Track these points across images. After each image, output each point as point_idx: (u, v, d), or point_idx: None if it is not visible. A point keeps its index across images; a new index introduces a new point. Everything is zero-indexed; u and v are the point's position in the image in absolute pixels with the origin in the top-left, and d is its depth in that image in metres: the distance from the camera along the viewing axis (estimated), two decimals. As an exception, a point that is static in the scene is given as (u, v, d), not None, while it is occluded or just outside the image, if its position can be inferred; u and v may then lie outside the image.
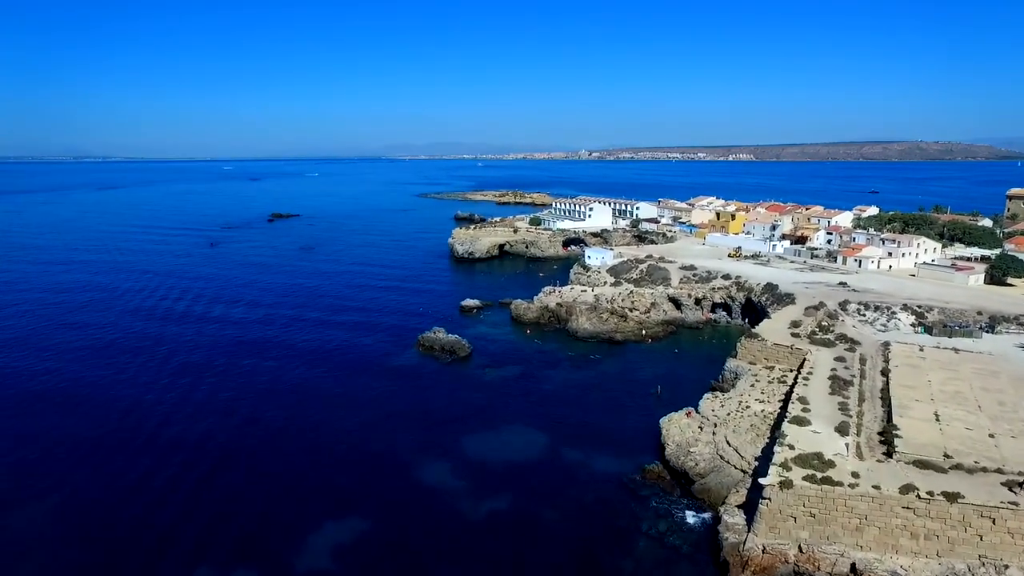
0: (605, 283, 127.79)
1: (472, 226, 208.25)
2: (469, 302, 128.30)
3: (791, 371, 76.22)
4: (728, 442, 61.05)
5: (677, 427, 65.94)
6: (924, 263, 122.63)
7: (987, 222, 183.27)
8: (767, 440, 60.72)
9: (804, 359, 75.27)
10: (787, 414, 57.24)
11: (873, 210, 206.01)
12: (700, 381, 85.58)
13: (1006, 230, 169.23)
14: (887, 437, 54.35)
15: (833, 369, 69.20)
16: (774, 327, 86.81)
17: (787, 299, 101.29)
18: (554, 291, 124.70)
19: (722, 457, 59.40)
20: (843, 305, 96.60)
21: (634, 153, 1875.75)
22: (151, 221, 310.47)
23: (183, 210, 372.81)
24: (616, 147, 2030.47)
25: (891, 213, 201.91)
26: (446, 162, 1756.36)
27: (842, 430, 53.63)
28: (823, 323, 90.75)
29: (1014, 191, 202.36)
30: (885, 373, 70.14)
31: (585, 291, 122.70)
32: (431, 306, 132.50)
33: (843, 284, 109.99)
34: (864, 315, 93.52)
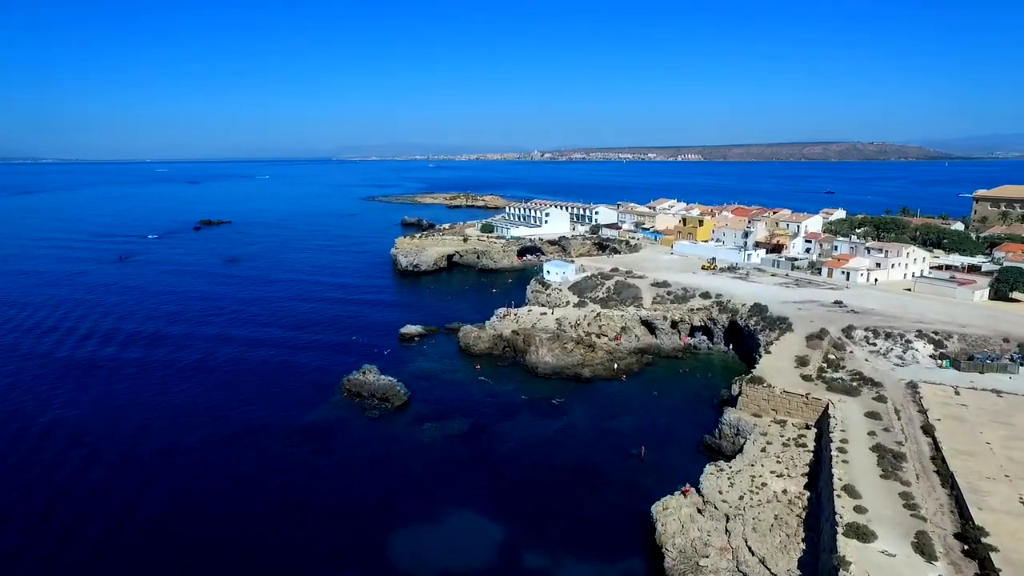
0: (567, 303, 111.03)
1: (418, 234, 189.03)
2: (410, 328, 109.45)
3: (808, 427, 60.76)
4: (750, 548, 44.63)
5: (676, 520, 49.20)
6: (922, 276, 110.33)
7: (959, 225, 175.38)
8: (801, 543, 44.64)
9: (826, 412, 59.83)
10: (837, 516, 41.03)
11: (840, 213, 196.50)
12: (690, 435, 69.56)
13: (982, 234, 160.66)
14: (975, 548, 38.87)
15: (871, 433, 53.68)
16: (776, 364, 71.45)
17: (781, 324, 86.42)
18: (509, 313, 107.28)
19: None
20: (848, 332, 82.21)
21: (586, 154, 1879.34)
22: (61, 229, 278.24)
23: (103, 216, 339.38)
24: (568, 148, 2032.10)
25: (860, 216, 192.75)
26: (398, 163, 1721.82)
27: (925, 549, 37.67)
28: (830, 356, 76.03)
29: (981, 192, 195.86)
30: (929, 431, 55.24)
31: (545, 314, 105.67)
32: (366, 333, 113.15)
33: (839, 303, 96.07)
34: (875, 344, 79.26)
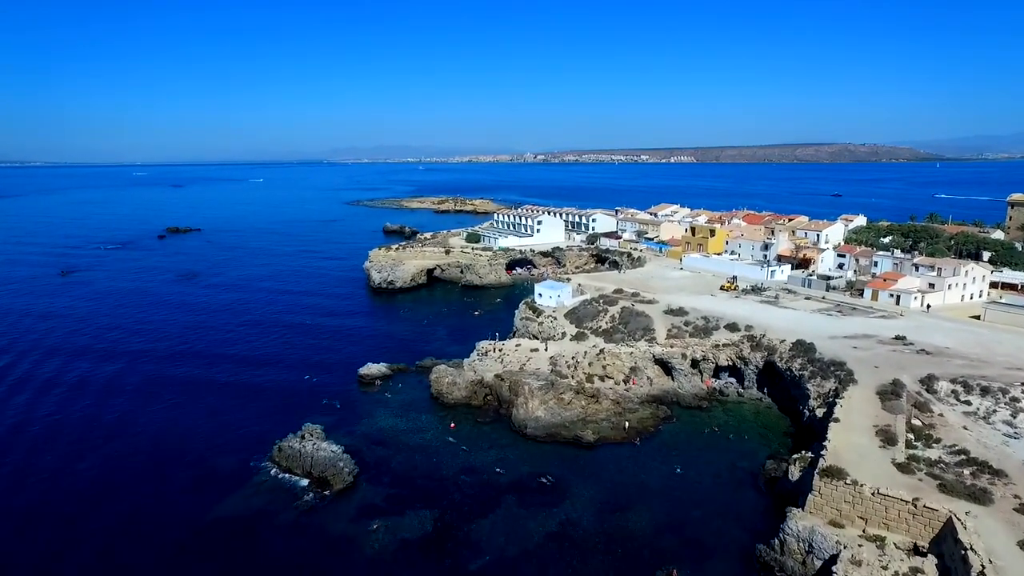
0: (563, 334, 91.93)
1: (396, 245, 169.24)
2: (372, 368, 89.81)
3: (920, 551, 41.73)
4: None
5: None
6: (993, 301, 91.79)
7: (999, 234, 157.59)
8: None
9: (948, 529, 40.85)
10: None
11: (860, 219, 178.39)
12: (735, 541, 50.59)
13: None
14: None
15: (1048, 590, 34.75)
16: (852, 441, 52.39)
17: (836, 371, 67.63)
18: (493, 347, 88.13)
19: None
20: (929, 384, 63.51)
21: (578, 155, 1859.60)
22: (12, 238, 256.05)
23: (64, 223, 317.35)
24: (561, 150, 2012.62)
25: (885, 224, 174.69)
26: (389, 166, 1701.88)
27: None
28: (914, 420, 57.28)
29: (1016, 197, 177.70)
30: (1115, 571, 36.29)
31: (536, 350, 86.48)
32: (321, 370, 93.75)
33: (901, 339, 77.39)
34: (968, 402, 60.56)
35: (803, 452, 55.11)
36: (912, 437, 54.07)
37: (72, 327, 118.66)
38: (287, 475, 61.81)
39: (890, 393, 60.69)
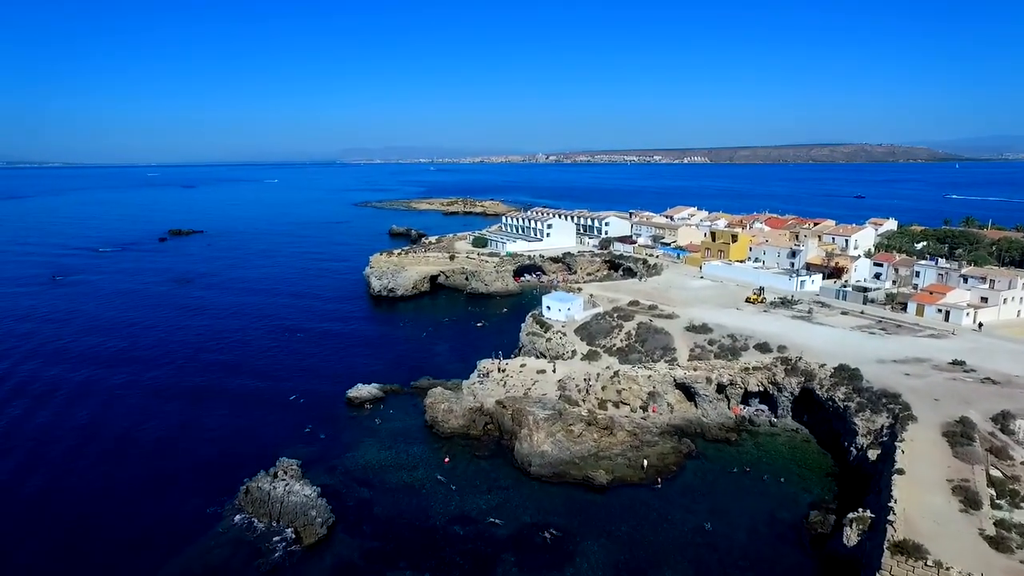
0: (573, 353, 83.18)
1: (398, 251, 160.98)
2: (362, 391, 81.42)
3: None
4: None
5: None
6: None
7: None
8: None
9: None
10: None
11: (891, 223, 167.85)
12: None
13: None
14: None
15: None
16: (921, 500, 43.15)
17: (889, 404, 58.36)
18: (495, 367, 79.63)
19: None
20: (1003, 423, 54.07)
21: (591, 156, 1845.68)
22: (8, 240, 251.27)
23: (65, 225, 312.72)
24: (573, 151, 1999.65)
25: (919, 228, 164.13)
26: (399, 166, 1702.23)
27: None
28: (992, 470, 47.97)
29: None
30: None
31: (543, 371, 77.71)
32: (309, 385, 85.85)
33: (960, 364, 67.86)
34: (1054, 448, 51.10)
35: (860, 511, 45.89)
36: (994, 494, 44.84)
37: (40, 334, 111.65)
38: (254, 522, 53.58)
39: (960, 435, 51.33)
